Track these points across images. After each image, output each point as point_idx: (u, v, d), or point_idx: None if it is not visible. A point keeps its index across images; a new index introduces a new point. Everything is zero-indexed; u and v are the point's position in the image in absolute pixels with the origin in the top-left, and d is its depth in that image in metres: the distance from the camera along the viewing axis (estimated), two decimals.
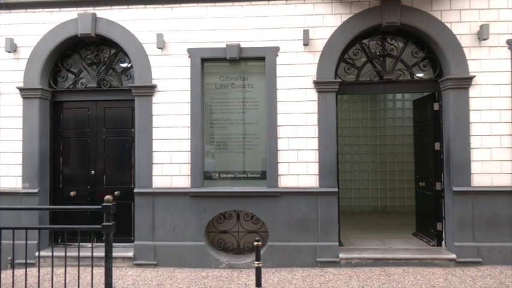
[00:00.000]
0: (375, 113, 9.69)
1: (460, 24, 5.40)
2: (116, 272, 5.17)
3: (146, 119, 5.59)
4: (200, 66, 5.59)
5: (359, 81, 5.73)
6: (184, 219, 5.50)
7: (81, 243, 5.40)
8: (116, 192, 5.77)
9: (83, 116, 5.97)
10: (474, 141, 5.33)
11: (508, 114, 5.33)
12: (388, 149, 9.62)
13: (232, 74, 5.77)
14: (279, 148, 5.48)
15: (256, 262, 3.94)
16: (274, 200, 5.43)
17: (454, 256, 5.25)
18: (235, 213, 5.71)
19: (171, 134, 5.58)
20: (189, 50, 5.60)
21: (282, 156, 5.48)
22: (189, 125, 5.57)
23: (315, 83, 5.46)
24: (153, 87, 5.58)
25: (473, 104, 5.36)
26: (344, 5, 5.51)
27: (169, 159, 5.56)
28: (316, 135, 5.47)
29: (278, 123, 5.50)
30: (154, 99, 5.61)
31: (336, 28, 5.49)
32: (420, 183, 6.36)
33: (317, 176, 5.43)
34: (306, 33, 5.40)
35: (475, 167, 5.32)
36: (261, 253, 5.14)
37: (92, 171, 5.90)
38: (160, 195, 5.51)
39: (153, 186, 5.54)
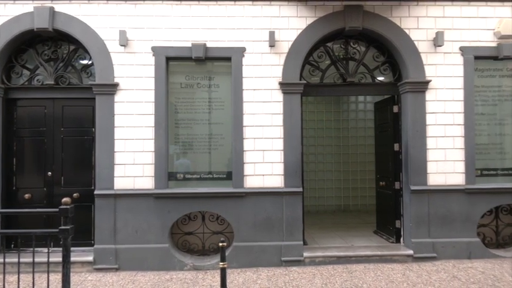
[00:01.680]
0: (338, 115, 9.94)
1: (418, 31, 5.66)
2: (74, 278, 4.96)
3: (107, 118, 5.41)
4: (165, 65, 5.49)
5: (323, 83, 5.86)
6: (147, 221, 5.37)
7: (37, 249, 5.13)
8: (75, 194, 5.53)
9: (40, 115, 5.67)
10: (430, 142, 5.61)
11: (460, 117, 5.65)
12: (351, 149, 9.91)
13: (198, 73, 5.71)
14: (245, 148, 5.49)
15: (221, 263, 3.93)
16: (240, 200, 5.44)
17: (411, 252, 5.49)
18: (200, 214, 5.65)
19: (134, 134, 5.44)
20: (154, 48, 5.48)
21: (247, 157, 5.49)
22: (153, 125, 5.45)
23: (281, 84, 5.52)
24: (115, 85, 5.41)
25: (429, 107, 5.63)
26: (308, 8, 5.61)
27: (132, 160, 5.41)
28: (282, 136, 5.53)
29: (244, 124, 5.51)
30: (117, 97, 5.44)
31: (301, 31, 5.58)
32: (381, 183, 6.60)
33: (282, 176, 5.49)
34: (272, 34, 5.45)
35: (430, 167, 5.59)
36: (226, 254, 5.13)
37: (49, 173, 5.62)
38: (122, 196, 5.35)
39: (115, 188, 5.36)
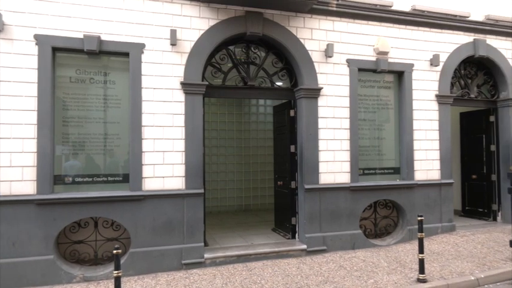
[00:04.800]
0: (240, 117, 10.19)
1: (312, 41, 6.13)
2: None
3: None
4: (50, 56, 4.92)
5: (225, 85, 5.93)
6: (27, 232, 4.74)
7: None
8: None
9: None
10: (321, 145, 6.11)
11: (347, 122, 6.28)
12: (252, 150, 10.24)
13: (91, 67, 5.26)
14: (143, 149, 5.25)
15: (116, 271, 3.67)
16: (137, 204, 5.16)
17: (305, 246, 5.90)
18: (92, 220, 5.20)
19: (11, 133, 4.75)
20: (37, 37, 4.87)
21: (146, 158, 5.26)
22: (35, 123, 4.84)
23: (183, 84, 5.42)
24: None
25: (321, 112, 6.14)
26: (211, 10, 5.63)
27: (7, 162, 4.72)
28: (183, 137, 5.43)
29: (143, 124, 5.26)
30: None
31: (203, 32, 5.57)
32: (279, 182, 6.96)
33: (183, 178, 5.40)
34: (173, 33, 5.32)
35: (322, 167, 6.10)
36: (122, 261, 4.84)
37: None
38: None
39: None
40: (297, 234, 6.27)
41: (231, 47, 6.00)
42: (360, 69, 6.40)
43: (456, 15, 7.00)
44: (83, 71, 5.23)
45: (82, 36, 5.03)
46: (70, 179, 5.12)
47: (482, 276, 4.87)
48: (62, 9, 5.00)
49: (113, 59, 5.36)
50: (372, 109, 6.67)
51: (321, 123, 6.12)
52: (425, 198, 6.67)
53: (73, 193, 5.01)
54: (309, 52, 6.08)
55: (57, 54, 5.09)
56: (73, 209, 4.93)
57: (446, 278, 4.79)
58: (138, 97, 5.25)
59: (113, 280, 4.02)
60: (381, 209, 6.68)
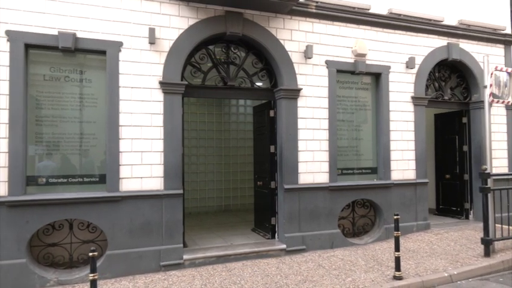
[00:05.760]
0: (220, 117, 10.15)
1: (291, 43, 6.17)
2: None
3: None
4: (23, 53, 4.76)
5: (204, 85, 5.90)
6: None
7: None
8: None
9: None
10: (301, 145, 6.16)
11: (326, 122, 6.35)
12: (232, 151, 10.21)
13: (66, 65, 5.12)
14: (121, 150, 5.15)
15: (92, 274, 3.58)
16: (115, 205, 5.06)
17: (284, 246, 5.93)
18: (67, 222, 5.06)
19: None
20: (9, 33, 4.71)
21: (124, 159, 5.16)
22: (7, 121, 4.67)
23: (161, 83, 5.35)
24: None
25: (301, 112, 6.19)
26: (190, 9, 5.58)
27: None
28: (162, 137, 5.36)
29: (120, 123, 5.16)
30: None
31: (183, 31, 5.52)
32: (258, 183, 6.97)
33: (162, 179, 5.33)
34: (152, 31, 5.25)
35: (301, 167, 6.15)
36: (99, 264, 4.74)
37: None
38: None
39: None
40: (276, 234, 6.30)
41: (211, 47, 5.97)
42: (338, 71, 6.49)
43: (431, 20, 7.20)
44: (57, 68, 5.09)
45: (56, 33, 4.89)
46: (44, 179, 4.97)
47: (455, 272, 5.03)
48: (35, 5, 4.84)
49: (90, 57, 5.24)
50: (350, 110, 6.77)
51: (300, 123, 6.17)
52: (401, 197, 6.83)
53: (46, 194, 4.86)
54: (289, 53, 6.12)
55: (31, 51, 4.93)
56: (47, 211, 4.78)
57: (421, 275, 4.92)
58: (115, 96, 5.14)
59: (89, 283, 3.93)
60: (359, 209, 6.79)
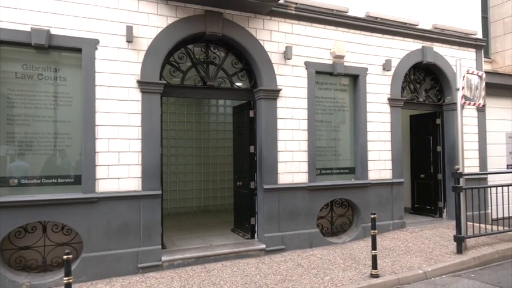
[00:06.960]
0: (199, 117, 10.07)
1: (271, 43, 6.20)
2: None
3: None
4: None
5: (184, 84, 5.84)
6: None
7: None
8: None
9: None
10: (280, 145, 6.20)
11: (305, 123, 6.41)
12: (211, 151, 10.16)
13: (39, 63, 4.97)
14: (97, 150, 5.03)
15: (66, 278, 3.48)
16: (90, 206, 4.95)
17: (263, 246, 5.94)
18: (41, 224, 4.91)
19: None
20: None
21: (100, 159, 5.05)
22: None
23: (139, 82, 5.27)
24: None
25: (280, 113, 6.22)
26: (169, 8, 5.52)
27: None
28: (140, 137, 5.28)
29: (97, 123, 5.05)
30: None
31: (161, 29, 5.45)
32: (238, 183, 6.96)
33: (140, 179, 5.25)
34: (129, 29, 5.16)
35: (280, 167, 6.18)
36: (74, 267, 4.62)
37: None
38: None
39: None
40: (256, 234, 6.31)
41: (190, 46, 5.92)
42: (317, 72, 6.56)
43: (406, 23, 7.39)
44: (30, 66, 4.93)
45: (29, 29, 4.74)
46: (16, 181, 4.80)
47: (430, 269, 5.18)
48: (6, 0, 4.68)
49: (65, 54, 5.10)
50: (329, 111, 6.86)
51: (280, 124, 6.21)
52: (378, 196, 6.98)
53: (18, 196, 4.70)
54: (269, 54, 6.15)
55: (2, 47, 4.76)
56: (19, 213, 4.62)
57: (397, 273, 5.04)
58: (91, 95, 5.03)
59: (63, 287, 3.83)
60: (338, 208, 6.89)
